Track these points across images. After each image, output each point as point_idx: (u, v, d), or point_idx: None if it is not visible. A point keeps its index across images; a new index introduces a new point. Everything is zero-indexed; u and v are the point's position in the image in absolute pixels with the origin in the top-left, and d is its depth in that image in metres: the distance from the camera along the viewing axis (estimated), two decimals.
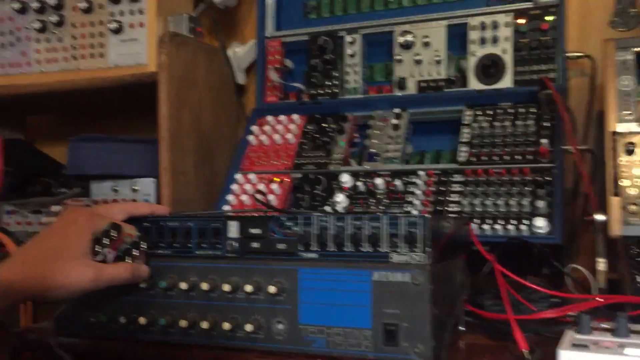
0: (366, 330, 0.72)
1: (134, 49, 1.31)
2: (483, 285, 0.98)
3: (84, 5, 1.33)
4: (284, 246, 0.78)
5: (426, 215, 0.71)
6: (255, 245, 0.79)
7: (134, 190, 1.31)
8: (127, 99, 1.47)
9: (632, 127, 1.07)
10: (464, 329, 0.86)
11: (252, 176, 1.28)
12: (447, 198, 1.12)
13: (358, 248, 0.74)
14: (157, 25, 1.30)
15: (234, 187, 1.28)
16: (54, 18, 1.36)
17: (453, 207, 1.11)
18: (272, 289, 0.76)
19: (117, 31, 1.31)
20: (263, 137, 1.34)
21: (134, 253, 0.81)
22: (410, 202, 1.14)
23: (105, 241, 0.78)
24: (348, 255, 0.75)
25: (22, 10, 1.40)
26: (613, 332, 0.73)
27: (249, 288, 0.77)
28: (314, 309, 0.75)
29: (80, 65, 1.35)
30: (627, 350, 0.66)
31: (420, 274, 0.70)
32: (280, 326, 0.77)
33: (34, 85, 1.38)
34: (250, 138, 1.34)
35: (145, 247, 0.83)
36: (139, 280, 0.82)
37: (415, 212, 1.11)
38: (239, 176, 1.30)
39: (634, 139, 1.05)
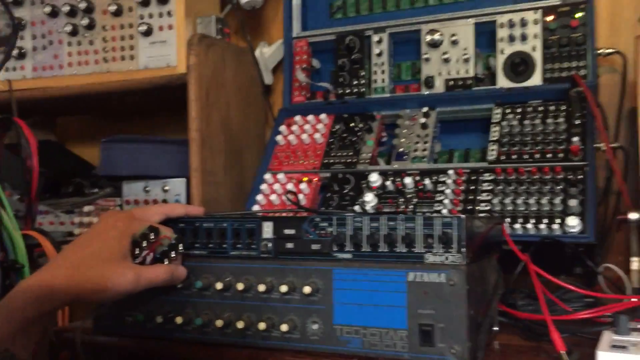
0: (402, 331, 0.73)
1: (163, 51, 1.33)
2: (514, 284, 0.98)
3: (113, 8, 1.35)
4: (318, 247, 0.78)
5: (461, 215, 0.71)
6: (289, 245, 0.80)
7: (165, 191, 1.33)
8: (158, 101, 1.49)
9: None
10: (497, 329, 0.85)
11: (280, 176, 1.29)
12: (477, 197, 1.12)
13: (393, 248, 0.75)
14: (185, 27, 1.31)
15: (263, 187, 1.29)
16: (84, 21, 1.38)
17: (484, 206, 1.10)
18: (306, 289, 0.77)
19: (147, 33, 1.33)
20: (291, 137, 1.34)
21: (171, 255, 0.83)
22: (440, 201, 1.14)
23: (144, 244, 0.80)
24: (382, 256, 0.75)
25: (54, 14, 1.42)
26: None
27: (283, 288, 0.78)
28: (349, 309, 0.76)
29: (111, 68, 1.37)
30: None
31: (455, 274, 0.70)
32: (315, 326, 0.77)
33: (66, 87, 1.40)
34: (279, 138, 1.35)
35: (182, 248, 0.84)
36: (177, 281, 0.84)
37: (445, 212, 1.11)
38: (267, 176, 1.31)
39: None
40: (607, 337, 0.72)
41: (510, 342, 0.83)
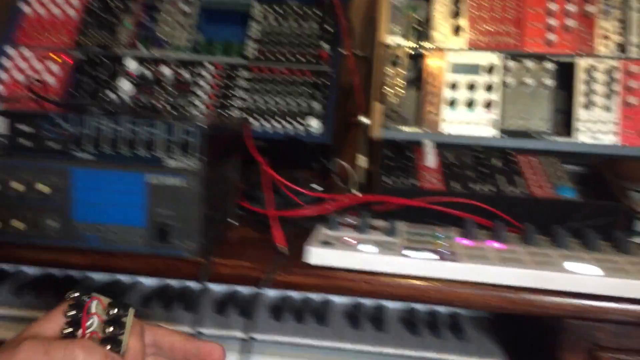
0: (141, 229, 0.77)
1: None
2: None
3: None
4: (57, 145, 0.77)
5: (201, 125, 0.75)
6: (26, 143, 0.77)
7: None
8: None
9: (399, 40, 1.19)
10: (237, 223, 0.94)
11: (26, 52, 1.19)
12: (232, 93, 1.17)
13: (134, 152, 0.77)
14: None
15: (6, 62, 1.18)
16: None
17: (237, 103, 1.16)
18: (44, 188, 0.76)
19: None
20: (39, 8, 1.23)
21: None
22: (198, 95, 1.16)
23: None
24: (123, 158, 0.77)
25: None
26: (356, 228, 0.87)
27: (19, 186, 0.76)
28: (88, 208, 0.77)
29: None
30: (360, 246, 0.79)
31: (192, 179, 0.75)
32: (54, 224, 0.78)
33: None
34: (25, 7, 1.22)
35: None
36: None
37: (202, 106, 1.14)
38: (11, 50, 1.19)
39: (399, 52, 1.18)
40: (319, 231, 0.84)
41: (246, 235, 0.91)
